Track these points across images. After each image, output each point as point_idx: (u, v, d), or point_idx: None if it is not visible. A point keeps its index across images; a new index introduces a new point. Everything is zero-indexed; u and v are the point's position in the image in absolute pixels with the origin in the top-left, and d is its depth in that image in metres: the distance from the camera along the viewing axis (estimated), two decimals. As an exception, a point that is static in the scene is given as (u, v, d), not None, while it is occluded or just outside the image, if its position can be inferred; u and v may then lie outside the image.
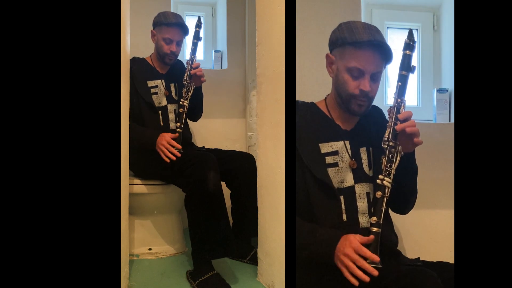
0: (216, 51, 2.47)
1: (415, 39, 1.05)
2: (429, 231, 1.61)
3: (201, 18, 1.78)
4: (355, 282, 0.90)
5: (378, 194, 1.02)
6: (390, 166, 1.02)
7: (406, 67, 1.04)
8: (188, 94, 1.72)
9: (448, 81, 1.74)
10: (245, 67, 2.41)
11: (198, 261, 1.50)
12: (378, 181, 1.02)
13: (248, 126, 2.35)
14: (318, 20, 1.61)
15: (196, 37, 1.74)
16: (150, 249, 1.77)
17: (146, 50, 1.91)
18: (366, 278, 0.90)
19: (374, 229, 0.99)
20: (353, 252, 0.92)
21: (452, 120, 1.68)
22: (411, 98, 1.84)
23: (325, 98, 1.18)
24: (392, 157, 1.02)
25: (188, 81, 1.72)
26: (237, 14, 2.41)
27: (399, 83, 1.04)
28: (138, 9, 2.10)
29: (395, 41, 1.83)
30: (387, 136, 1.03)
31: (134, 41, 1.64)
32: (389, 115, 1.04)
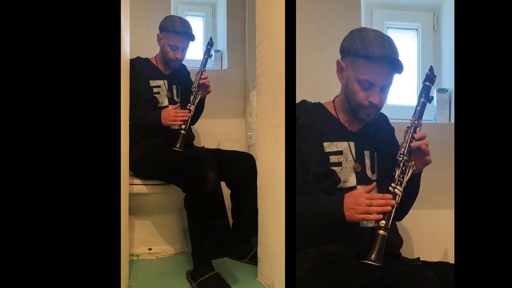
0: (216, 51, 2.47)
1: (435, 73, 1.16)
2: (429, 231, 1.61)
3: (212, 38, 1.94)
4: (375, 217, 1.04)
5: None
6: (403, 177, 1.09)
7: (425, 96, 1.13)
8: (195, 100, 1.84)
9: (448, 81, 1.74)
10: (245, 67, 2.41)
11: (198, 261, 1.50)
12: (390, 188, 1.08)
13: (248, 126, 2.35)
14: (318, 20, 1.61)
15: (207, 54, 1.88)
16: (150, 249, 1.77)
17: (146, 50, 1.91)
18: (380, 216, 1.04)
19: (381, 232, 1.04)
20: (365, 203, 1.02)
21: (452, 120, 1.68)
22: (411, 98, 1.83)
23: (333, 100, 1.19)
24: (405, 169, 1.09)
25: (196, 89, 1.83)
26: (237, 14, 2.41)
27: (418, 108, 1.13)
28: (138, 9, 2.10)
29: (395, 41, 1.82)
30: (402, 151, 1.10)
31: (134, 41, 1.65)
32: (405, 133, 1.12)
